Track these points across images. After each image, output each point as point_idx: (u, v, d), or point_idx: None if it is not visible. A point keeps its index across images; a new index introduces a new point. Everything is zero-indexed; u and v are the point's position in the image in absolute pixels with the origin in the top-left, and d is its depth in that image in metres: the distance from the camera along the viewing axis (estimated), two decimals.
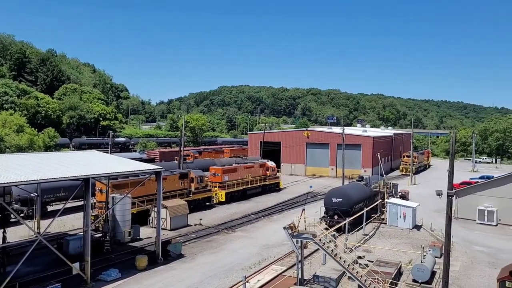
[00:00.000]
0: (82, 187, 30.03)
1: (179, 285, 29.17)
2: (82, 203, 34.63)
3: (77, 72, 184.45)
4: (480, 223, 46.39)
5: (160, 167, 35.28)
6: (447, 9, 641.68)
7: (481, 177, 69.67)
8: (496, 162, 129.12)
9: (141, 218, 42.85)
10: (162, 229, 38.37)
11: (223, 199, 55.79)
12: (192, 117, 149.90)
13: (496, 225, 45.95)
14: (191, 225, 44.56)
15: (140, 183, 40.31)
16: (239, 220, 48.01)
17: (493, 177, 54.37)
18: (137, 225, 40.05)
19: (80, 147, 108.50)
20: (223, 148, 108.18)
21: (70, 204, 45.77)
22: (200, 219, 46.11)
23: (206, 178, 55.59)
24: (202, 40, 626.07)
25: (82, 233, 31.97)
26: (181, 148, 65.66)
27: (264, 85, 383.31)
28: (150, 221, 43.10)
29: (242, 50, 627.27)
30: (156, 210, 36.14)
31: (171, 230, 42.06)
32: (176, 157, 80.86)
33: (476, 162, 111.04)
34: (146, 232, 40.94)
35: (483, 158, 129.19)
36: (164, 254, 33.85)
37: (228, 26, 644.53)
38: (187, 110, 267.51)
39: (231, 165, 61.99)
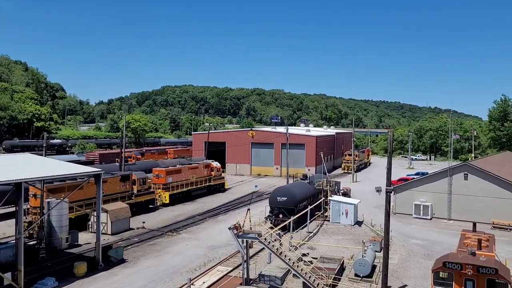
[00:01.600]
0: (13, 192, 28.13)
1: None
2: (14, 209, 32.54)
3: (7, 70, 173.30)
4: (416, 217, 48.70)
5: (99, 170, 33.88)
6: (383, 14, 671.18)
7: (417, 174, 73.26)
8: (430, 159, 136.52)
9: (80, 223, 40.96)
10: (103, 233, 36.93)
11: (167, 201, 54.69)
12: (134, 117, 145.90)
13: (431, 218, 48.44)
14: (134, 229, 43.22)
15: (78, 187, 38.54)
16: (184, 221, 47.23)
17: (427, 173, 57.36)
18: (75, 231, 38.21)
19: (11, 149, 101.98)
20: (167, 149, 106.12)
21: (0, 210, 42.89)
22: (143, 222, 44.86)
23: (149, 180, 54.23)
24: (144, 38, 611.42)
25: (14, 241, 29.99)
26: (122, 150, 63.58)
27: (208, 85, 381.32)
28: (90, 226, 41.26)
29: (186, 49, 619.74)
30: (95, 214, 34.65)
31: (112, 234, 40.55)
32: (117, 159, 78.23)
33: (412, 159, 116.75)
34: (85, 237, 39.18)
35: (418, 156, 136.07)
36: (105, 260, 32.50)
37: (170, 25, 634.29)
38: (128, 110, 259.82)
39: (175, 166, 60.87)
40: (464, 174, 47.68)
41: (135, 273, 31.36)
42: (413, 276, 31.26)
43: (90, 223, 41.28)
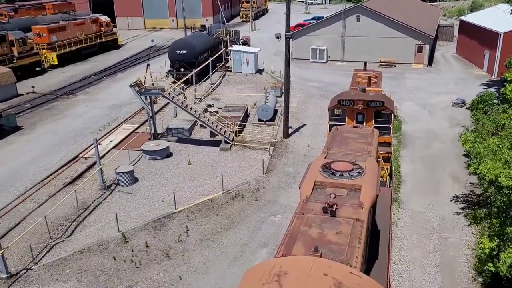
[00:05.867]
0: None
1: (22, 159, 26.97)
2: None
3: None
4: (313, 61, 50.84)
5: None
6: None
7: (313, 18, 74.12)
8: (325, 3, 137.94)
9: None
10: None
11: (56, 62, 50.21)
12: None
13: (326, 61, 50.92)
14: (23, 94, 39.99)
15: None
16: (79, 83, 44.46)
17: (323, 17, 58.28)
18: None
19: None
20: (44, 3, 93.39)
21: None
22: (33, 87, 41.45)
23: (30, 40, 48.52)
24: None
25: None
26: None
27: None
28: None
29: None
30: None
31: None
32: None
33: (308, 4, 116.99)
34: None
35: (314, 0, 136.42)
36: None
37: None
38: None
39: (58, 22, 54.59)
40: (357, 16, 49.27)
41: (34, 139, 29.93)
42: (311, 116, 33.85)
43: None
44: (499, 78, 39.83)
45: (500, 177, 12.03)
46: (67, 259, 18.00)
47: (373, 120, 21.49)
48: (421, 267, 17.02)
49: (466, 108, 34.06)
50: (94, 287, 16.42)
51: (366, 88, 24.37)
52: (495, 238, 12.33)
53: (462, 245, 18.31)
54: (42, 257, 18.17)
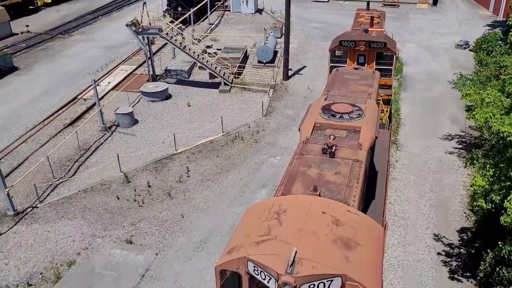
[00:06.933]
0: None
1: (20, 99, 26.86)
2: None
3: None
4: (314, 1, 49.21)
5: None
6: None
7: None
8: None
9: None
10: None
11: (49, 0, 48.58)
12: None
13: (328, 1, 49.29)
14: (18, 34, 39.06)
15: None
16: (74, 22, 43.26)
17: None
18: None
19: None
20: None
21: None
22: (27, 26, 40.32)
23: None
24: None
25: None
26: None
27: None
28: None
29: None
30: None
31: None
32: None
33: None
34: None
35: None
36: None
37: None
38: None
39: None
40: None
41: (31, 80, 29.65)
42: (312, 57, 33.32)
43: None
44: (504, 19, 38.80)
45: (491, 121, 11.92)
46: (71, 197, 18.47)
47: (374, 62, 21.20)
48: (416, 207, 17.53)
49: (470, 50, 33.51)
50: (99, 224, 16.97)
51: (369, 29, 23.81)
52: (488, 177, 12.50)
53: (457, 186, 18.76)
54: (47, 195, 18.63)
